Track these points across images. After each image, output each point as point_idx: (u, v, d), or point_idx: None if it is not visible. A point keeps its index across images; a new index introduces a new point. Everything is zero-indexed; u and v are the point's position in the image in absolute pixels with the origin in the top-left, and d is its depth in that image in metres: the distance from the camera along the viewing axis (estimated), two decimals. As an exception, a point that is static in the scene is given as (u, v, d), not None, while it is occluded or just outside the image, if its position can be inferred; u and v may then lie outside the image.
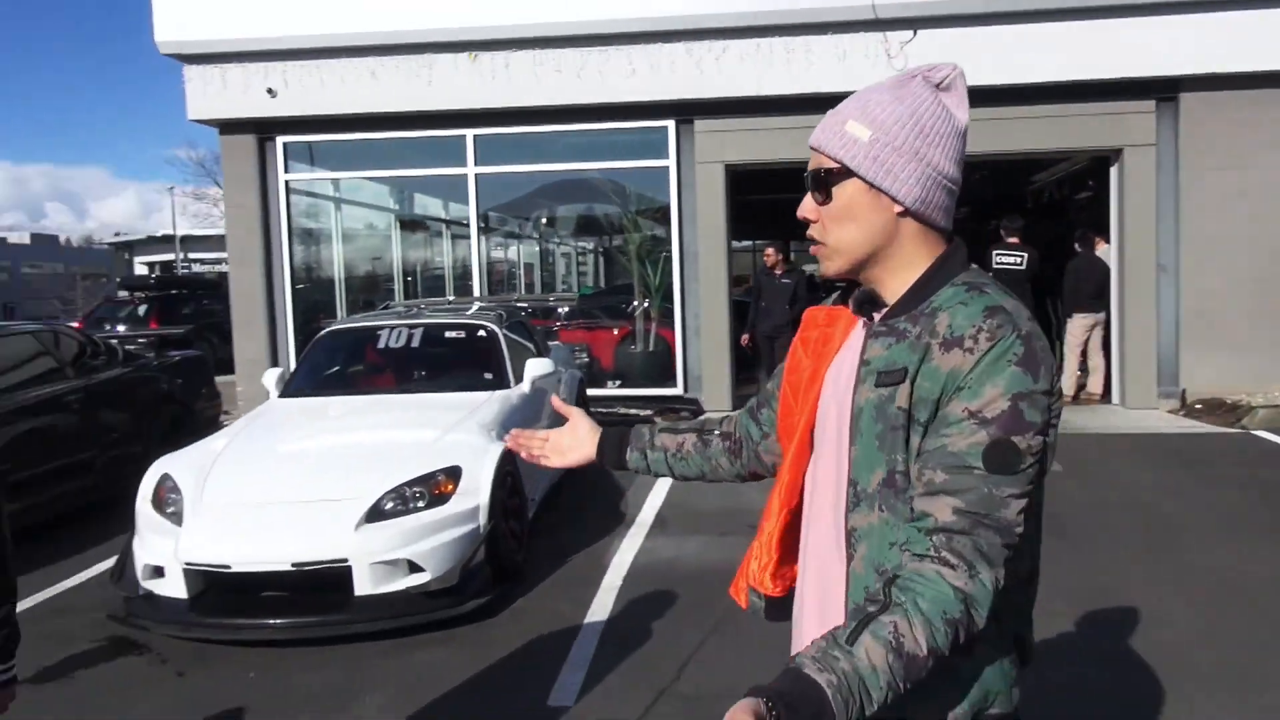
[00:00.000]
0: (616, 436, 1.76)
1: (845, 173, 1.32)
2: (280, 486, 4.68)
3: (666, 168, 10.41)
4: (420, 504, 4.54)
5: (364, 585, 4.29)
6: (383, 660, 4.09)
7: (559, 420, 1.84)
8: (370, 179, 12.47)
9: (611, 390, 10.74)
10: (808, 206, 1.37)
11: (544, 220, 18.21)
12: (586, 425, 1.79)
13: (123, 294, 18.25)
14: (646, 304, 11.00)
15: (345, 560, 4.27)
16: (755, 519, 6.09)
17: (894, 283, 1.35)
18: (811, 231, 1.38)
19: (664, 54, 9.85)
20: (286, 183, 11.05)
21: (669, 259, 10.55)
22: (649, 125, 10.35)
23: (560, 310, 12.33)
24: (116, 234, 68.90)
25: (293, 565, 4.27)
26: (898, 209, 1.31)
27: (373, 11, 10.01)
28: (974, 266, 1.36)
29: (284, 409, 5.88)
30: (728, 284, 10.39)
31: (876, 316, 1.36)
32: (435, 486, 4.63)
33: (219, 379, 10.29)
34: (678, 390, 10.49)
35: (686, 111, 10.17)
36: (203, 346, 15.24)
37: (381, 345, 6.45)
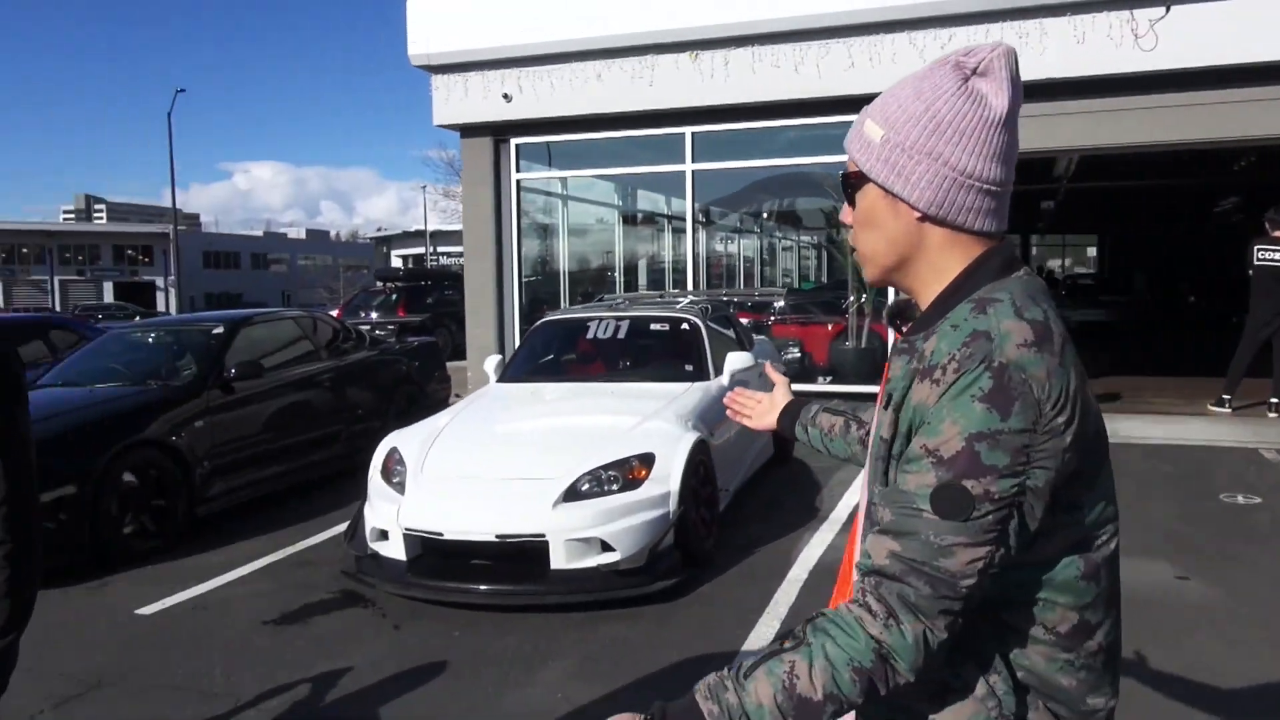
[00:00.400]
0: (795, 408, 1.88)
1: (864, 177, 1.24)
2: (490, 463, 5.07)
3: (885, 161, 10.18)
4: (614, 487, 4.77)
5: (559, 560, 4.57)
6: (571, 630, 4.36)
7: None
8: (595, 177, 13.04)
9: (822, 386, 10.66)
10: (844, 212, 1.32)
11: (764, 215, 18.24)
12: (782, 394, 1.93)
13: (377, 284, 20.07)
14: (861, 299, 10.82)
15: (543, 535, 4.57)
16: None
17: (924, 294, 1.25)
18: (848, 237, 1.33)
19: (885, 45, 9.64)
20: (518, 181, 11.77)
21: (884, 254, 10.32)
22: (868, 118, 10.16)
23: (775, 305, 12.37)
24: (379, 229, 75.52)
25: (496, 537, 4.63)
26: (917, 214, 1.21)
27: (600, 17, 10.46)
28: (1018, 274, 1.21)
29: (500, 393, 6.33)
30: (946, 280, 10.02)
31: (905, 330, 1.28)
32: (629, 471, 4.85)
33: (455, 364, 11.15)
34: (890, 389, 10.25)
35: (907, 103, 9.89)
36: (442, 333, 16.53)
37: (590, 336, 6.78)
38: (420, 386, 8.83)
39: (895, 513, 1.13)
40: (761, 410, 1.94)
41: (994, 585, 1.14)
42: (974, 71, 1.19)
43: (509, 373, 6.68)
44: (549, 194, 12.74)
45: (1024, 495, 1.10)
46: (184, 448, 6.07)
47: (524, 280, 12.06)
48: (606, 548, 4.62)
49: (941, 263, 1.23)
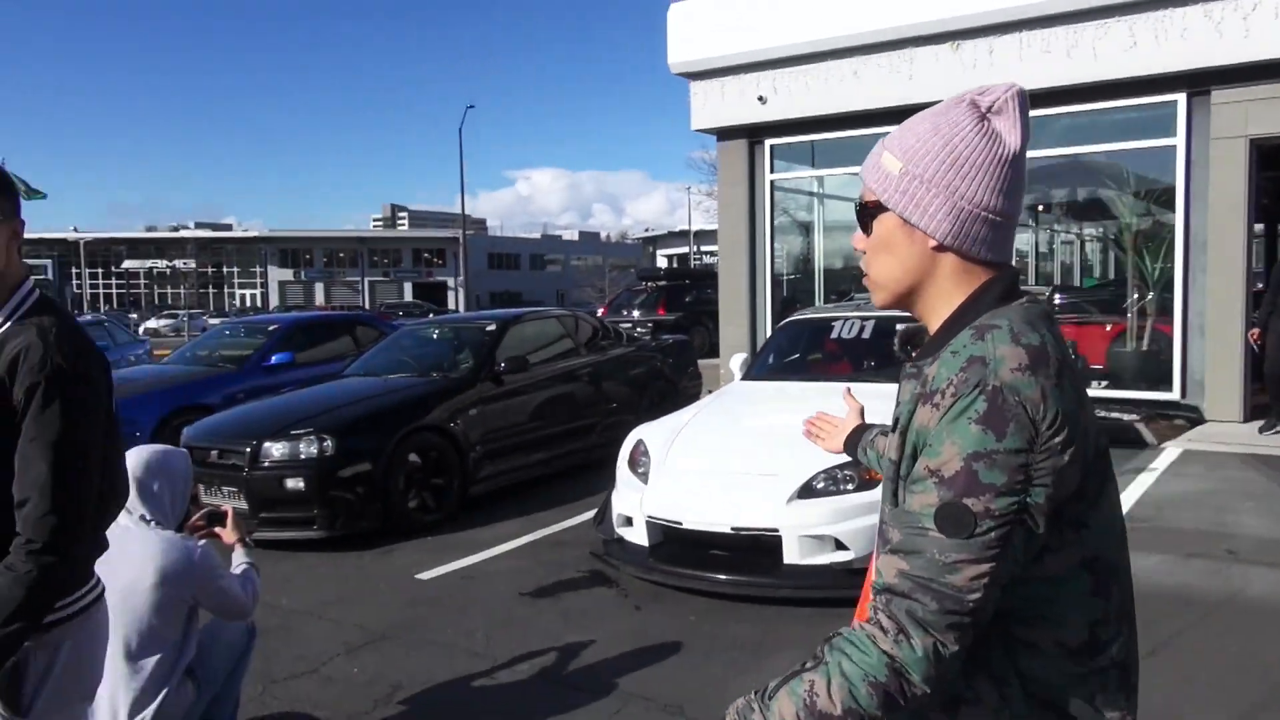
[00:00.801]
0: (859, 432, 2.00)
1: (881, 206, 1.30)
2: (728, 458, 5.24)
3: (1173, 147, 9.31)
4: (849, 486, 4.80)
5: (792, 555, 4.66)
6: (802, 624, 4.44)
7: None
8: (851, 175, 12.87)
9: (1097, 391, 9.93)
10: (858, 237, 1.37)
11: (1039, 208, 17.15)
12: (851, 419, 2.05)
13: (639, 283, 20.91)
14: (1145, 298, 9.96)
15: (776, 530, 4.69)
16: (1235, 543, 5.56)
17: (933, 319, 1.31)
18: (861, 263, 1.38)
19: (1173, 20, 8.83)
20: (772, 182, 11.89)
21: (1170, 247, 9.46)
22: (1152, 101, 9.34)
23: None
24: (646, 230, 78.34)
25: (731, 529, 4.80)
26: (932, 243, 1.27)
27: (856, 14, 10.36)
28: (1019, 302, 1.25)
29: (743, 390, 6.50)
30: (1244, 276, 9.02)
31: (914, 355, 1.34)
32: (865, 471, 4.84)
33: (711, 361, 11.46)
34: (1174, 395, 9.37)
35: (1201, 82, 9.00)
36: (700, 331, 16.96)
37: (834, 336, 6.79)
38: (672, 383, 9.18)
39: (903, 533, 1.19)
40: (834, 434, 2.06)
41: (1005, 599, 1.19)
42: (989, 110, 1.25)
43: (753, 371, 6.83)
44: (804, 193, 12.75)
45: (1025, 512, 1.14)
46: (459, 433, 6.75)
47: (777, 279, 12.16)
48: (840, 546, 4.65)
49: (950, 290, 1.29)
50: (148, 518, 2.84)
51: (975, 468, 1.13)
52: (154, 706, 2.73)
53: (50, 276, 67.19)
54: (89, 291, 72.78)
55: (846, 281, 12.99)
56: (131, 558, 2.72)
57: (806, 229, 12.91)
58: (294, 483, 5.95)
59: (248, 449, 6.06)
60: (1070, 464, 1.16)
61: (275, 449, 6.05)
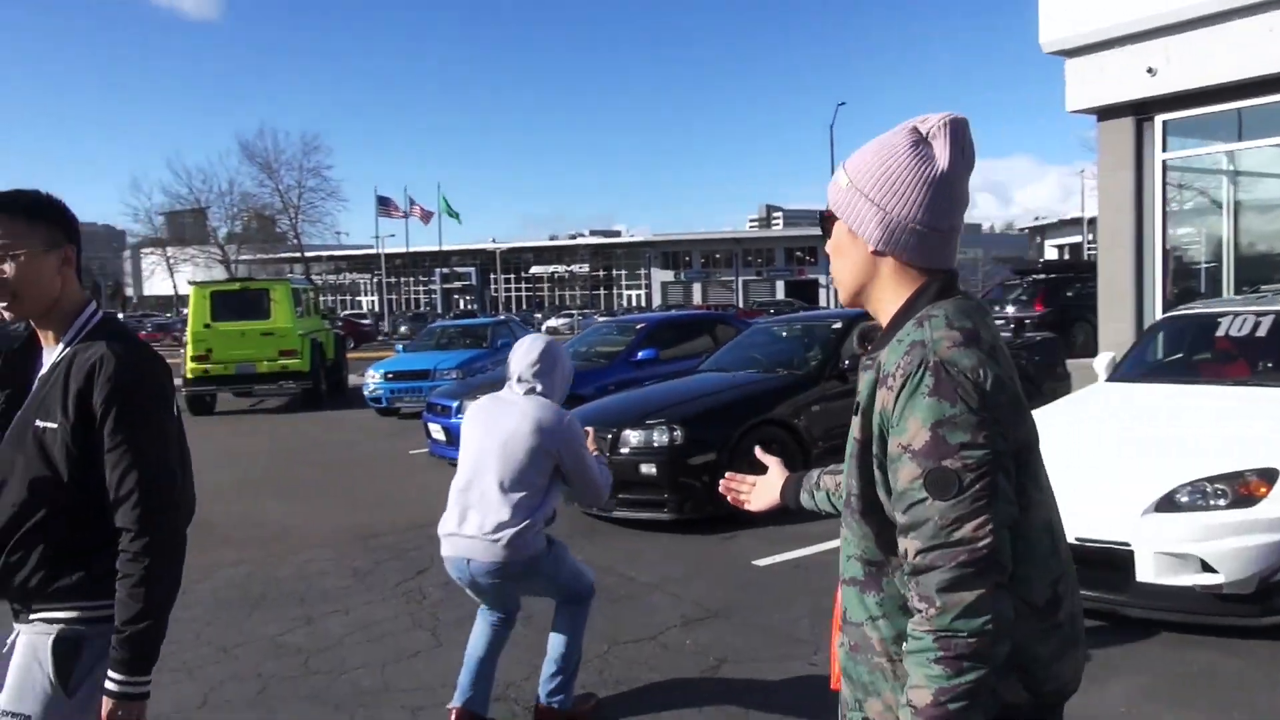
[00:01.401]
0: (797, 480, 2.00)
1: (834, 215, 1.51)
2: (1078, 463, 4.88)
3: None
4: (1221, 502, 4.29)
5: (1146, 572, 4.27)
6: (1153, 648, 4.08)
7: None
8: (1270, 146, 11.15)
9: None
10: (828, 243, 1.56)
11: None
12: (777, 474, 2.04)
13: (1013, 278, 19.61)
14: None
15: (1128, 544, 4.32)
16: None
17: (883, 316, 1.49)
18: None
19: None
20: (1164, 161, 10.66)
21: None
22: None
23: None
24: (1036, 218, 72.84)
25: (1076, 539, 4.48)
26: (870, 249, 1.46)
27: (1271, -39, 9.00)
28: (954, 297, 1.42)
29: (1106, 393, 5.99)
30: None
31: (869, 348, 1.50)
32: (1242, 486, 4.31)
33: (1085, 361, 10.54)
34: None
35: None
36: (1083, 328, 15.60)
37: (1221, 334, 6.01)
38: (1036, 384, 8.62)
39: (904, 511, 1.34)
40: (759, 492, 2.07)
41: None
42: (926, 135, 1.43)
43: (1120, 372, 6.27)
44: (1207, 171, 11.27)
45: (1000, 459, 1.31)
46: (803, 428, 6.93)
47: (1173, 269, 10.88)
48: (1207, 568, 4.19)
49: (894, 290, 1.47)
50: (539, 390, 3.49)
51: (940, 433, 1.30)
52: (515, 529, 3.32)
53: (474, 282, 77.41)
54: (503, 294, 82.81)
55: (1264, 269, 11.30)
56: (517, 414, 3.39)
57: (1214, 212, 11.40)
58: (647, 468, 6.50)
59: (609, 436, 6.71)
60: (1018, 415, 1.37)
61: (632, 437, 6.65)
